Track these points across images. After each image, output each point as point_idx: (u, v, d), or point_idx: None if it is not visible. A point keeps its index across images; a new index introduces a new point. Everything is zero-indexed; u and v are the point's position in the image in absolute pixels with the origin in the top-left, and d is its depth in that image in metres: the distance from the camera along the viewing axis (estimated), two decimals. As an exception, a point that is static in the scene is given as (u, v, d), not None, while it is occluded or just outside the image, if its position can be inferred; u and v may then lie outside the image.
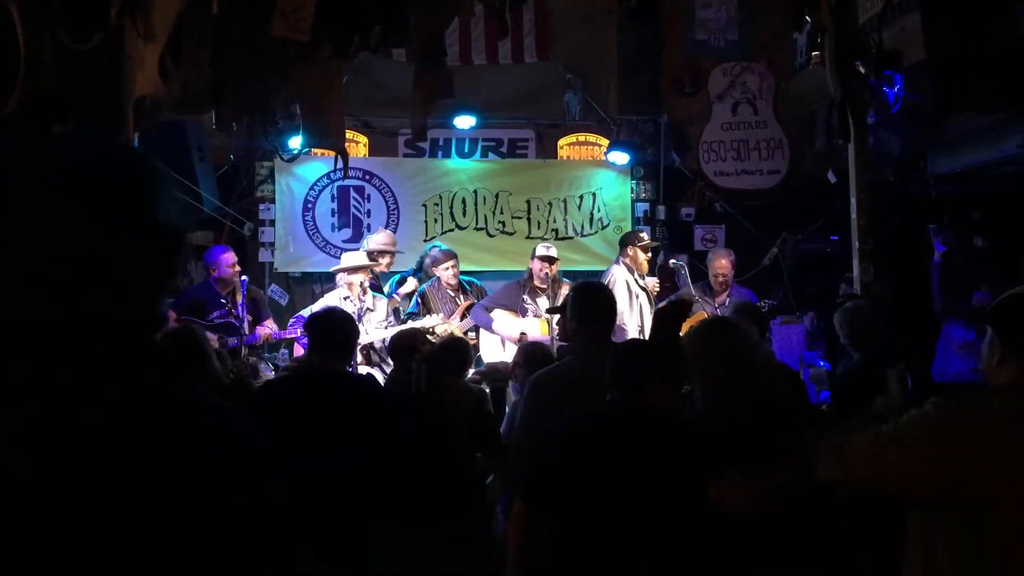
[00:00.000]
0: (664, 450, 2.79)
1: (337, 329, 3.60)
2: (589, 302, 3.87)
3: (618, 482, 2.78)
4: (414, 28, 4.43)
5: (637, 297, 6.72)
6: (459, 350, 4.56)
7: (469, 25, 7.83)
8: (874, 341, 3.80)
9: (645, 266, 6.85)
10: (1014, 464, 1.92)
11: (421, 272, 7.25)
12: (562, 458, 2.94)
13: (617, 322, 6.57)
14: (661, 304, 6.70)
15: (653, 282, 6.97)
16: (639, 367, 2.97)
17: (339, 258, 7.09)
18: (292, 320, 6.77)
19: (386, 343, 6.58)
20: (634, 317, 6.63)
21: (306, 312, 6.44)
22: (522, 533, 3.07)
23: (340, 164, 4.74)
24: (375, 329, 6.50)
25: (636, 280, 6.77)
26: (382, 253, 7.10)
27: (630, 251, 6.81)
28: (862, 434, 2.08)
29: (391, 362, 6.62)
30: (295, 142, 6.79)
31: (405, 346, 4.42)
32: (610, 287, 6.73)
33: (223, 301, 6.45)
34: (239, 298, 6.42)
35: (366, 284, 6.64)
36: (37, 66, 3.93)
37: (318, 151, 7.73)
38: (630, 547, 2.74)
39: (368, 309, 6.51)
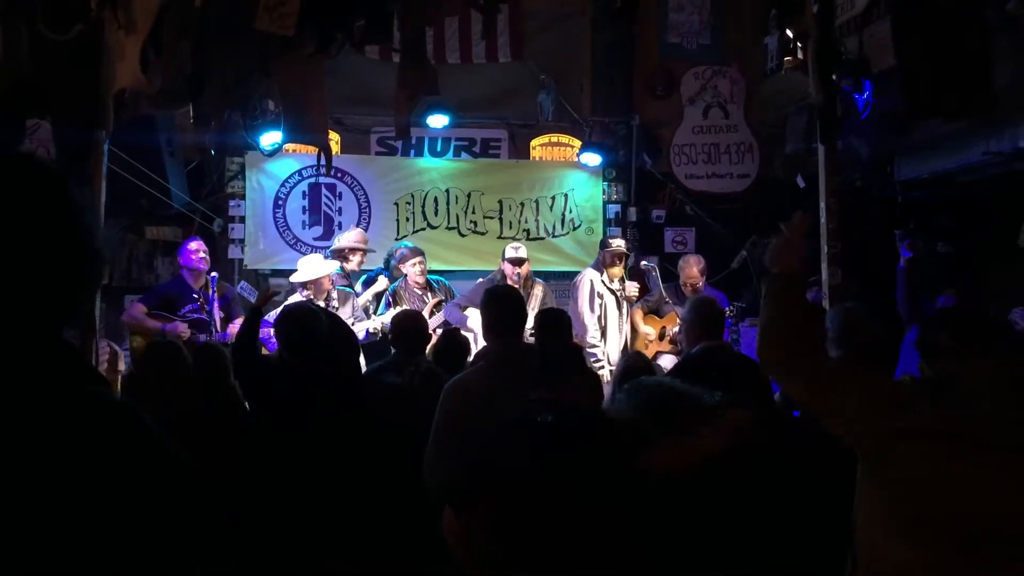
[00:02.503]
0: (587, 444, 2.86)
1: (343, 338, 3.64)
2: (495, 306, 3.89)
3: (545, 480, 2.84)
4: (398, 25, 4.42)
5: (601, 297, 6.84)
6: (461, 346, 4.56)
7: (444, 24, 7.82)
8: (860, 344, 3.83)
9: (615, 272, 6.96)
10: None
11: (389, 271, 7.23)
12: (486, 461, 3.01)
13: (578, 319, 6.71)
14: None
15: (633, 287, 7.04)
16: (558, 366, 3.07)
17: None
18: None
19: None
20: (594, 317, 6.78)
21: (270, 316, 6.35)
22: (458, 539, 3.10)
23: (323, 160, 4.70)
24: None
25: (603, 281, 6.89)
26: (353, 251, 7.06)
27: (599, 256, 7.03)
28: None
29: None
30: (273, 137, 6.72)
31: (408, 327, 4.41)
32: (576, 285, 6.90)
33: (195, 296, 6.36)
34: (210, 293, 6.34)
35: (331, 287, 6.58)
36: (14, 57, 3.87)
37: (290, 147, 7.67)
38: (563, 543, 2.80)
39: (334, 307, 6.48)
